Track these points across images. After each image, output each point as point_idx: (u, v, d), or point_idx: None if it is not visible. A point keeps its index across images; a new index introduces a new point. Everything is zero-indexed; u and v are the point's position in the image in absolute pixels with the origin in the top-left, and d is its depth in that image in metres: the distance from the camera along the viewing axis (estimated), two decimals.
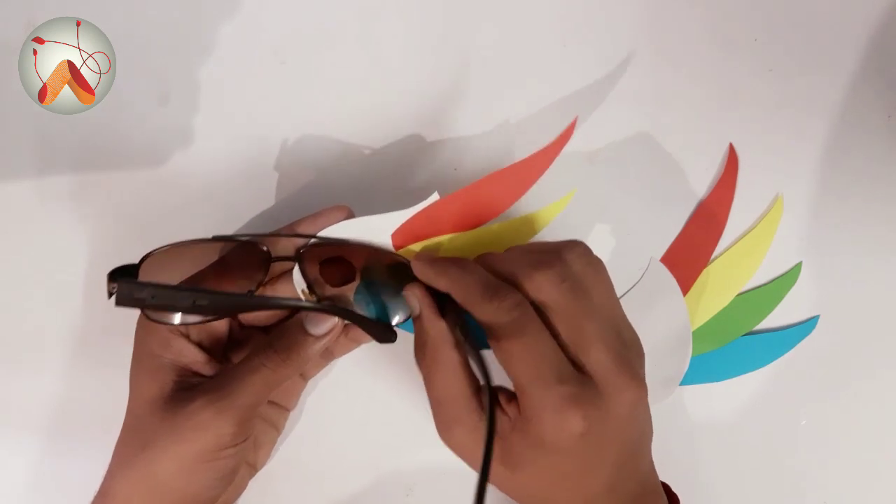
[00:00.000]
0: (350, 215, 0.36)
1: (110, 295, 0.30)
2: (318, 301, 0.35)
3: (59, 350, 0.40)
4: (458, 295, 0.32)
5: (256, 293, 0.34)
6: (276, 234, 0.35)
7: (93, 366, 0.40)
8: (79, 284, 0.40)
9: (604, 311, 0.32)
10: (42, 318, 0.40)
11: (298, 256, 0.34)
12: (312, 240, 0.34)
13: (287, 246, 0.35)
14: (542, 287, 0.30)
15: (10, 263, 0.40)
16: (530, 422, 0.30)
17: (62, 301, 0.40)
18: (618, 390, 0.30)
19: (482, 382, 0.30)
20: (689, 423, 0.42)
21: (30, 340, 0.40)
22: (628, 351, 0.32)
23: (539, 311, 0.31)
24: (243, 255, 0.35)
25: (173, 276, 0.34)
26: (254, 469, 0.37)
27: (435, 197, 0.35)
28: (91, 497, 0.33)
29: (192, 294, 0.30)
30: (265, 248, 0.34)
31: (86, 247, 0.40)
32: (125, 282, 0.29)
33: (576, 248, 0.32)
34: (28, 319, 0.40)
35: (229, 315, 0.35)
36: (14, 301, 0.40)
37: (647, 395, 0.31)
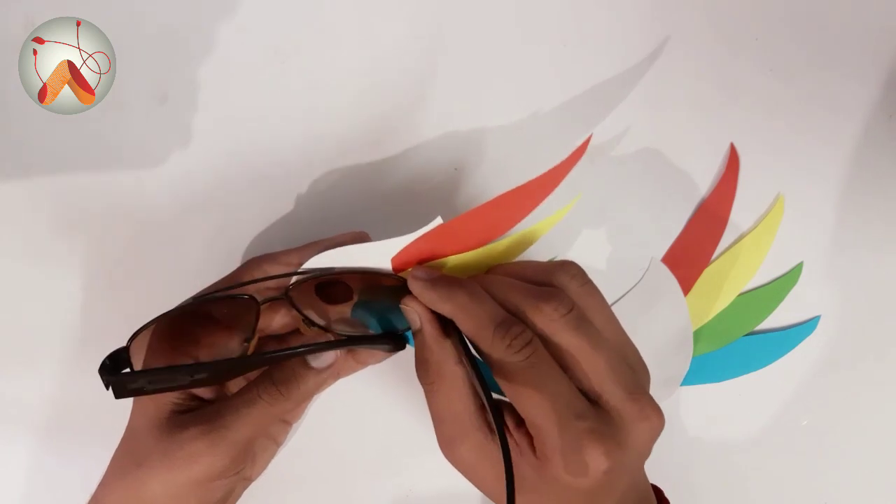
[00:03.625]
0: (367, 241, 0.34)
1: (107, 386, 0.29)
2: (318, 328, 0.33)
3: (58, 351, 0.40)
4: (465, 324, 0.30)
5: (255, 339, 0.33)
6: (256, 280, 0.34)
7: (92, 367, 0.39)
8: (78, 285, 0.40)
9: (608, 337, 0.31)
10: (40, 318, 0.40)
11: (286, 295, 0.33)
12: (295, 277, 0.33)
13: (279, 282, 0.33)
14: (551, 321, 0.29)
15: (10, 263, 0.40)
16: (548, 461, 0.29)
17: (61, 301, 0.40)
18: (637, 421, 0.29)
19: (487, 406, 0.29)
20: (690, 424, 0.42)
21: (29, 340, 0.40)
22: (638, 376, 0.31)
23: (545, 343, 0.30)
24: (231, 307, 0.33)
25: (166, 343, 0.32)
26: (248, 481, 0.36)
27: (438, 221, 0.33)
28: (86, 499, 0.33)
29: (189, 370, 0.29)
30: (247, 297, 0.32)
31: (86, 246, 0.40)
32: (117, 378, 0.28)
33: (568, 269, 0.31)
34: (26, 320, 0.40)
35: (231, 378, 0.34)
36: (13, 301, 0.40)
37: (664, 422, 0.30)
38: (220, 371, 0.31)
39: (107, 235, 0.40)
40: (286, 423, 0.38)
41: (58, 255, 0.40)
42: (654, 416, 0.30)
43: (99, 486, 0.33)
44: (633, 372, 0.31)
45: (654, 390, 0.32)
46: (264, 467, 0.37)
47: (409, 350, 0.34)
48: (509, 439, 0.30)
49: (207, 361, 0.32)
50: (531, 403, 0.29)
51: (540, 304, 0.29)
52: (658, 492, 0.34)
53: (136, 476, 0.31)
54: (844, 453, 0.43)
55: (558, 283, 0.31)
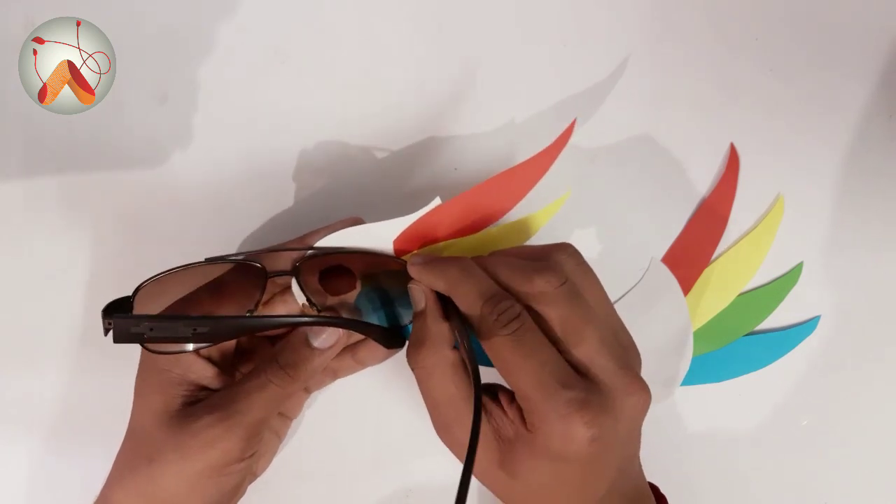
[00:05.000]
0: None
1: (107, 332, 0.29)
2: (319, 313, 0.34)
3: (59, 350, 0.39)
4: (457, 298, 0.31)
5: (257, 311, 0.34)
6: (270, 249, 0.34)
7: (93, 367, 0.40)
8: (79, 285, 0.40)
9: (601, 314, 0.31)
10: (40, 318, 0.40)
11: (295, 270, 0.33)
12: (309, 251, 0.34)
13: (285, 260, 0.34)
14: (542, 292, 0.30)
15: (11, 263, 0.40)
16: (537, 431, 0.29)
17: (62, 301, 0.40)
18: (625, 394, 0.30)
19: (470, 377, 0.30)
20: (690, 424, 0.42)
21: (30, 340, 0.40)
22: (627, 354, 0.31)
23: (537, 317, 0.30)
24: (239, 275, 0.34)
25: (169, 303, 0.33)
26: (253, 476, 0.37)
27: (437, 202, 0.34)
28: (90, 499, 0.33)
29: (192, 322, 0.29)
30: (259, 266, 0.33)
31: (86, 247, 0.40)
32: (120, 317, 0.28)
33: (565, 249, 0.32)
34: (26, 320, 0.40)
35: (232, 338, 0.34)
36: (14, 301, 0.40)
37: (651, 398, 0.31)
38: (223, 329, 0.31)
39: (106, 235, 0.40)
40: (287, 417, 0.38)
41: (57, 254, 0.40)
42: (642, 391, 0.30)
43: (105, 486, 0.33)
44: (624, 350, 0.31)
45: (654, 390, 0.32)
46: (269, 462, 0.38)
47: None
48: (502, 415, 0.31)
49: (211, 316, 0.33)
50: (518, 374, 0.29)
51: (532, 276, 0.30)
52: (654, 489, 0.34)
53: (148, 472, 0.31)
54: (844, 453, 0.43)
55: (554, 260, 0.31)
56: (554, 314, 0.30)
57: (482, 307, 0.30)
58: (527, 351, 0.29)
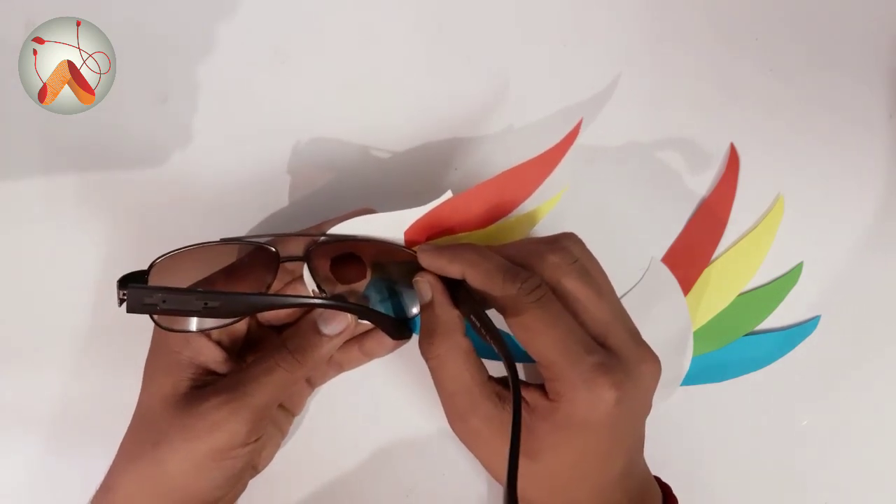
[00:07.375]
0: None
1: (121, 302, 0.30)
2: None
3: (58, 350, 0.39)
4: (476, 277, 0.32)
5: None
6: (284, 235, 0.35)
7: (94, 366, 0.40)
8: (79, 284, 0.40)
9: (608, 291, 0.33)
10: (41, 317, 0.40)
11: (307, 256, 0.34)
12: (322, 238, 0.34)
13: (297, 245, 0.34)
14: (558, 268, 0.31)
15: (10, 263, 0.40)
16: (561, 399, 0.30)
17: (63, 300, 0.40)
18: (641, 361, 0.31)
19: (506, 363, 0.30)
20: (690, 424, 0.42)
21: (29, 340, 0.40)
22: (636, 328, 0.33)
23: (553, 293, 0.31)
24: (252, 258, 0.34)
25: (182, 281, 0.33)
26: (255, 470, 0.37)
27: (448, 195, 0.35)
28: (87, 499, 0.33)
29: (204, 296, 0.30)
30: (273, 250, 0.34)
31: (85, 246, 0.40)
32: (135, 287, 0.29)
33: (571, 236, 0.34)
34: (27, 321, 0.40)
35: (242, 316, 0.34)
36: (15, 300, 0.40)
37: (661, 368, 0.32)
38: (234, 305, 0.31)
39: (107, 235, 0.40)
40: (290, 413, 0.38)
41: (56, 255, 0.40)
42: (654, 360, 0.32)
43: (110, 470, 0.33)
44: (634, 325, 0.33)
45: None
46: (271, 457, 0.38)
47: (413, 350, 0.34)
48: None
49: (223, 291, 0.34)
50: (544, 340, 0.30)
51: (547, 254, 0.32)
52: (666, 488, 0.34)
53: (154, 456, 0.32)
54: (845, 453, 0.43)
55: (562, 244, 0.33)
56: (570, 288, 0.31)
57: (503, 282, 0.31)
58: (552, 319, 0.30)
